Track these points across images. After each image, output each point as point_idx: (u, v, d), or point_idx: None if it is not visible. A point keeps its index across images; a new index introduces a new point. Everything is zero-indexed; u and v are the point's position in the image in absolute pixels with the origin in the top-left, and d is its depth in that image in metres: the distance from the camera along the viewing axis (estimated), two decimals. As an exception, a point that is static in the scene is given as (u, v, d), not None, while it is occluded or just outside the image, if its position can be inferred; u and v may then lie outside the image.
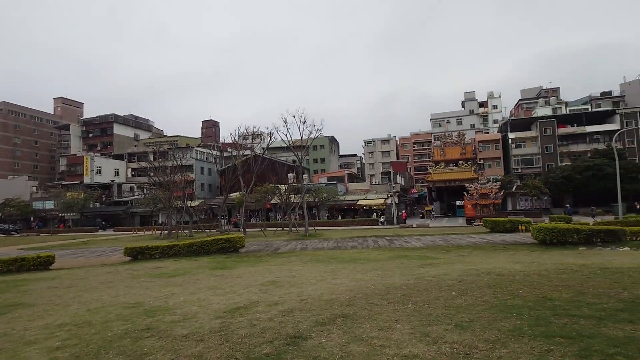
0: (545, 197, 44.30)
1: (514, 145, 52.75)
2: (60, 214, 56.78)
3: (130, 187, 65.81)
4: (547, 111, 61.18)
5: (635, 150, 49.21)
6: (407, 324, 4.99)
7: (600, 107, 59.65)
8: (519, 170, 51.53)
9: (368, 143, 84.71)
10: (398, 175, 54.26)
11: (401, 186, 53.14)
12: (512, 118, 62.33)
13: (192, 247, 17.36)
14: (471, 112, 78.40)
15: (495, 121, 76.05)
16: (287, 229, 33.38)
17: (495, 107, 78.42)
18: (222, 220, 45.18)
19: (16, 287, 10.76)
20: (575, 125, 52.83)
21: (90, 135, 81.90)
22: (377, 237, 24.18)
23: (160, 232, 35.90)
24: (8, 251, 24.08)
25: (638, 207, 38.15)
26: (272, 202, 42.94)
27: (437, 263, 12.20)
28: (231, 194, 43.24)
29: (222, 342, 4.85)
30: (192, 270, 12.94)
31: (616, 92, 63.80)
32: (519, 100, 75.63)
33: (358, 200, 46.48)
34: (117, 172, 68.33)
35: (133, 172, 68.75)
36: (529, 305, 5.73)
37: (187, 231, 33.50)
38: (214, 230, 35.47)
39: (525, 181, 44.54)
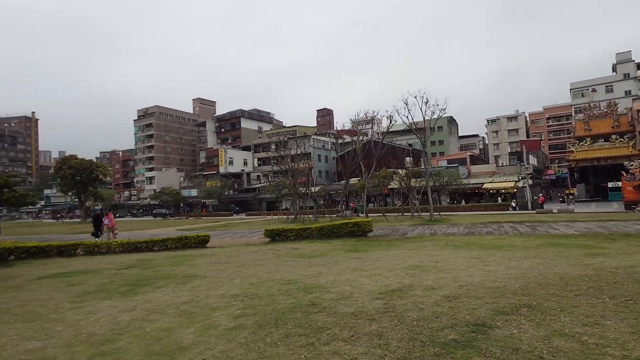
0: None
1: (690, 113, 42.44)
2: (202, 200, 65.24)
3: (257, 176, 71.99)
4: None
5: None
6: (620, 321, 4.18)
7: None
8: (699, 143, 41.31)
9: (492, 122, 77.60)
10: (530, 155, 48.48)
11: (534, 167, 47.40)
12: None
13: (322, 230, 18.02)
14: (626, 77, 65.39)
15: (659, 85, 62.26)
16: (409, 214, 32.59)
17: (658, 67, 64.09)
18: (341, 206, 46.45)
19: (187, 261, 12.46)
20: None
21: (222, 130, 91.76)
22: (514, 223, 21.93)
23: (286, 216, 38.49)
24: (169, 231, 28.41)
25: None
26: (390, 187, 42.45)
27: (608, 253, 10.38)
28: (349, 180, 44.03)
29: (397, 324, 4.72)
30: (328, 252, 13.37)
31: None
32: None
33: (483, 183, 42.99)
34: (246, 162, 75.37)
35: (259, 162, 75.03)
36: None
37: (311, 216, 35.22)
38: (335, 216, 36.59)
39: None
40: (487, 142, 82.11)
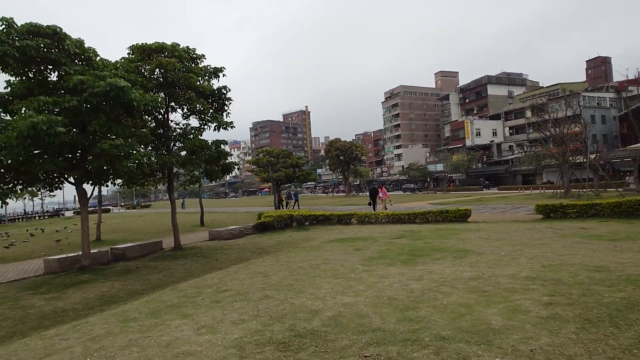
0: None
1: None
2: (449, 175, 64.30)
3: (509, 146, 64.90)
4: None
5: None
6: None
7: None
8: None
9: None
10: None
11: None
12: None
13: (619, 207, 14.14)
14: None
15: None
16: None
17: None
18: (628, 177, 35.97)
19: (453, 235, 12.18)
20: None
21: (467, 100, 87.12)
22: None
23: (552, 190, 32.92)
24: (422, 205, 29.12)
25: None
26: None
27: None
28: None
29: None
30: (637, 236, 10.26)
31: None
32: None
33: None
34: (495, 133, 69.16)
35: (510, 131, 67.43)
36: None
37: (588, 190, 28.77)
38: (621, 190, 28.55)
39: None
40: None
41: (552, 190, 32.46)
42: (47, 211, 61.11)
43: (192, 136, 13.09)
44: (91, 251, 10.50)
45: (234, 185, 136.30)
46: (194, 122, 13.78)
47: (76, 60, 9.96)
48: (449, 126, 77.97)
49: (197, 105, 12.51)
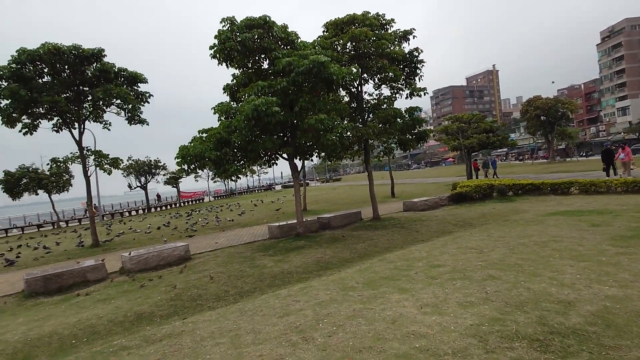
0: None
1: None
2: None
3: None
4: None
5: None
6: None
7: None
8: None
9: None
10: None
11: None
12: None
13: None
14: None
15: None
16: None
17: None
18: None
19: None
20: None
21: None
22: None
23: None
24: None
25: None
26: None
27: None
28: None
29: None
30: None
31: None
32: None
33: None
34: None
35: None
36: None
37: None
38: None
39: None
40: None
41: None
42: (262, 186, 73.54)
43: (385, 106, 12.84)
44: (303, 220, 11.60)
45: (416, 157, 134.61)
46: (385, 92, 13.50)
47: (282, 45, 10.85)
48: None
49: (389, 73, 12.10)
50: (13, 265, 11.86)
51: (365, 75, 12.86)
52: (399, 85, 12.97)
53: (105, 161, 15.66)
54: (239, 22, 10.18)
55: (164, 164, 38.25)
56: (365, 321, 4.38)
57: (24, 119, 13.59)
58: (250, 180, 74.95)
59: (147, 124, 15.57)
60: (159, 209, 38.59)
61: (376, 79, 13.12)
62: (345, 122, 12.30)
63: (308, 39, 12.78)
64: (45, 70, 13.14)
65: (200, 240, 13.29)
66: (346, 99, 13.20)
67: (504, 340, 3.61)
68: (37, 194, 26.41)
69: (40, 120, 13.89)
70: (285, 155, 11.32)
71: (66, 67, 13.24)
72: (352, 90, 12.98)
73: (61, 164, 15.92)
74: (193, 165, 10.05)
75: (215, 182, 59.93)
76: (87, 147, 15.05)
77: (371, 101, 13.28)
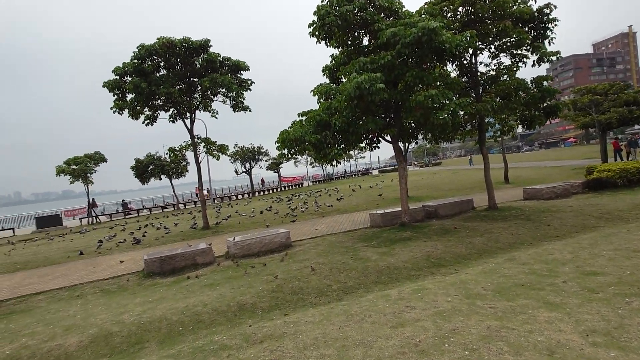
0: None
1: None
2: None
3: None
4: None
5: None
6: None
7: None
8: None
9: None
10: None
11: None
12: None
13: None
14: None
15: None
16: None
17: None
18: None
19: None
20: None
21: None
22: None
23: None
24: None
25: None
26: None
27: None
28: None
29: None
30: None
31: None
32: None
33: None
34: None
35: None
36: None
37: None
38: None
39: None
40: None
41: None
42: (359, 170, 73.11)
43: (505, 77, 11.01)
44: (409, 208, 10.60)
45: (528, 138, 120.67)
46: (504, 61, 11.60)
47: (384, 16, 9.83)
48: None
49: (512, 37, 10.25)
50: (139, 244, 13.13)
51: (479, 43, 11.12)
52: (523, 52, 10.96)
53: (214, 147, 16.51)
54: (339, -7, 9.42)
55: (266, 150, 40.02)
56: (509, 347, 3.38)
57: (145, 111, 14.86)
58: (347, 165, 75.14)
59: (250, 111, 15.92)
60: (262, 193, 40.68)
61: (493, 46, 11.29)
62: (455, 97, 10.84)
63: (412, 8, 11.49)
64: (161, 64, 14.10)
65: (301, 226, 13.17)
66: (454, 74, 11.63)
67: None
68: (160, 179, 29.59)
69: (158, 111, 15.08)
70: (388, 138, 10.39)
71: (178, 60, 14.03)
72: (464, 62, 11.37)
73: (177, 152, 17.30)
74: (293, 150, 9.73)
75: (313, 167, 61.31)
76: (197, 135, 15.98)
77: (487, 73, 11.51)
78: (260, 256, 9.03)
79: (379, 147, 11.38)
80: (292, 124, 10.25)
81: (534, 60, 10.58)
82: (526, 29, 10.68)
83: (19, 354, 4.89)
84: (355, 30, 10.17)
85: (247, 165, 39.30)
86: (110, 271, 9.28)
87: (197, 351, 4.12)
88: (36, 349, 5.00)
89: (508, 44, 10.78)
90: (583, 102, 23.01)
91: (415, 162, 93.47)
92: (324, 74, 11.43)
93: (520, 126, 12.13)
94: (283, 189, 43.85)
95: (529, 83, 10.75)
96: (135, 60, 13.25)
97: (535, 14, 10.41)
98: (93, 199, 31.36)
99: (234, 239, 9.34)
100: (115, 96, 13.77)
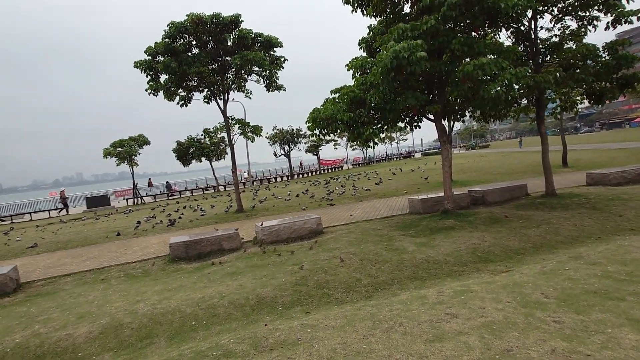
0: None
1: None
2: None
3: None
4: None
5: None
6: None
7: None
8: None
9: None
10: None
11: None
12: None
13: None
14: None
15: None
16: None
17: None
18: None
19: None
20: None
21: None
22: None
23: None
24: None
25: None
26: None
27: None
28: None
29: None
30: None
31: None
32: None
33: None
34: None
35: None
36: None
37: None
38: None
39: None
40: None
41: None
42: (401, 153, 71.00)
43: (570, 44, 9.54)
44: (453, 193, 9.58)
45: (587, 118, 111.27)
46: (569, 25, 10.05)
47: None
48: None
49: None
50: (173, 226, 13.10)
51: (540, 5, 9.64)
52: (594, 14, 9.38)
53: (248, 129, 16.14)
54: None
55: (305, 132, 39.49)
56: (584, 383, 2.54)
57: (180, 92, 14.67)
58: (388, 148, 73.24)
59: (284, 90, 15.30)
60: (300, 176, 40.41)
61: (556, 8, 9.77)
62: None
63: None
64: (193, 42, 13.73)
65: (335, 210, 12.52)
66: (507, 42, 10.24)
67: None
68: (200, 161, 30.00)
69: (192, 92, 14.84)
70: (431, 116, 9.36)
71: (209, 38, 13.59)
72: (521, 28, 9.95)
73: (212, 133, 17.14)
74: (325, 130, 9.00)
75: (353, 149, 60.20)
76: (231, 117, 15.64)
77: (548, 40, 10.03)
78: (289, 243, 8.50)
79: (420, 127, 10.35)
80: (324, 102, 9.48)
81: (607, 23, 9.00)
82: (598, -15, 9.07)
83: (27, 343, 4.67)
84: (394, -5, 9.13)
85: (286, 147, 39.04)
86: (140, 254, 9.15)
87: (199, 356, 3.61)
88: (45, 337, 4.76)
89: (575, 3, 9.25)
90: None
91: (461, 145, 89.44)
92: (360, 47, 10.51)
93: (586, 101, 10.55)
94: (322, 172, 43.33)
95: (600, 50, 9.22)
96: (167, 40, 12.96)
97: (612, -34, 8.78)
98: (150, 179, 32.29)
99: (261, 225, 8.85)
100: (149, 77, 13.62)
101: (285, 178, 38.38)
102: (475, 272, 5.73)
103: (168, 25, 12.83)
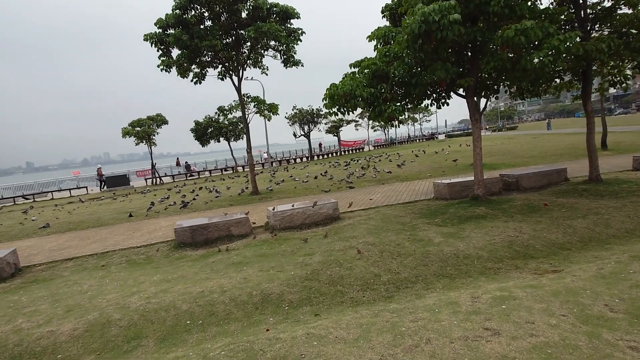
0: None
1: None
2: None
3: None
4: None
5: None
6: None
7: None
8: None
9: None
10: None
11: None
12: None
13: None
14: None
15: None
16: None
17: None
18: None
19: None
20: None
21: None
22: None
23: None
24: None
25: None
26: None
27: None
28: None
29: None
30: None
31: None
32: None
33: None
34: None
35: None
36: None
37: None
38: None
39: None
40: None
41: None
42: (424, 135, 68.96)
43: (625, 9, 8.29)
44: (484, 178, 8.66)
45: (622, 99, 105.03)
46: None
47: None
48: None
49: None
50: (186, 208, 12.68)
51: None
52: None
53: (264, 107, 15.43)
54: None
55: (325, 112, 38.50)
56: None
57: (193, 69, 14.02)
58: (411, 129, 71.29)
59: (302, 65, 14.45)
60: (320, 157, 39.66)
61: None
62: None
63: None
64: (205, 15, 12.97)
65: (354, 194, 11.78)
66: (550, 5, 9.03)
67: None
68: (219, 142, 29.59)
69: (206, 69, 14.17)
70: (461, 91, 8.39)
71: (223, 9, 12.78)
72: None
73: (227, 112, 16.55)
74: (343, 108, 8.17)
75: (375, 130, 58.80)
76: (246, 94, 14.94)
77: (599, 4, 8.78)
78: (303, 229, 7.86)
79: (448, 105, 9.38)
80: (342, 77, 8.63)
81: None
82: None
83: (6, 340, 4.21)
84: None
85: (306, 128, 38.22)
86: (147, 237, 8.73)
87: (182, 373, 3.02)
88: (26, 334, 4.30)
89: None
90: None
91: (487, 127, 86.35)
92: (383, 16, 9.52)
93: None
94: (342, 153, 42.41)
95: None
96: (177, 11, 12.24)
97: None
98: (177, 158, 32.31)
99: (273, 209, 8.23)
100: (160, 52, 13.00)
101: (304, 159, 37.73)
102: (514, 270, 4.94)
103: (178, -6, 12.09)
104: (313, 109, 37.69)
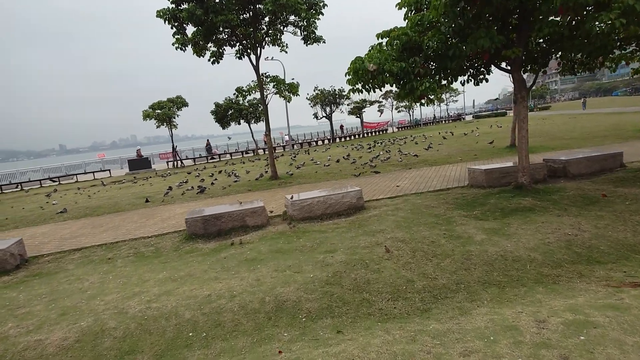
0: None
1: None
2: None
3: None
4: None
5: None
6: None
7: None
8: None
9: None
10: None
11: None
12: None
13: None
14: None
15: None
16: None
17: None
18: None
19: None
20: None
21: None
22: None
23: None
24: None
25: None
26: None
27: None
28: None
29: None
30: None
31: None
32: None
33: None
34: None
35: None
36: None
37: None
38: None
39: None
40: None
41: None
42: (450, 116, 66.53)
43: None
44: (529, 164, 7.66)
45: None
46: None
47: None
48: None
49: None
50: (203, 193, 12.20)
51: None
52: None
53: (284, 87, 14.65)
54: None
55: (348, 92, 37.33)
56: None
57: (210, 47, 13.34)
58: (436, 110, 68.94)
59: (324, 42, 13.51)
60: (342, 139, 38.69)
61: None
62: None
63: None
64: (221, -13, 12.17)
65: (379, 180, 10.98)
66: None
67: None
68: (239, 124, 29.10)
69: (223, 47, 13.45)
70: (504, 65, 7.37)
71: (239, -19, 11.93)
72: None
73: (246, 92, 15.90)
74: (368, 85, 7.30)
75: (399, 112, 57.05)
76: (264, 73, 14.19)
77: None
78: (324, 220, 7.17)
79: (487, 80, 8.34)
80: (369, 49, 7.71)
81: None
82: None
83: (-11, 350, 3.75)
84: None
85: (327, 109, 37.21)
86: (159, 226, 8.25)
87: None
88: (12, 343, 3.81)
89: None
90: None
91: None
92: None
93: None
94: (365, 135, 41.27)
95: None
96: (191, -17, 11.49)
97: None
98: (208, 140, 32.26)
99: (291, 198, 7.55)
100: (174, 29, 12.34)
101: (326, 141, 36.89)
102: (578, 278, 4.09)
103: (191, -34, 11.30)
104: (335, 90, 36.57)
